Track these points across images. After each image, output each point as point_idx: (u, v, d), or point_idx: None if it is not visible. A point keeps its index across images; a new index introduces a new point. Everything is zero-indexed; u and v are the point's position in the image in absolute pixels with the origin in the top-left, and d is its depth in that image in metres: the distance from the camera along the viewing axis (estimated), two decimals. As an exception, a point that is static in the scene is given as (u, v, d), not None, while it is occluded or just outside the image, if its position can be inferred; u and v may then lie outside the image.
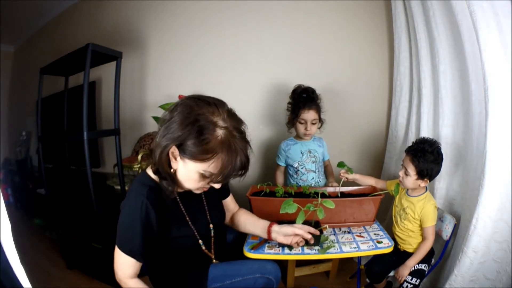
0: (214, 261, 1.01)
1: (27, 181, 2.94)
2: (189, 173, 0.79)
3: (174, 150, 0.77)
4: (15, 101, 3.45)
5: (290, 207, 1.01)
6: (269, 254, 1.07)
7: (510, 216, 1.09)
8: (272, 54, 2.08)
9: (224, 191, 1.11)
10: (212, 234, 1.00)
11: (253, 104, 2.14)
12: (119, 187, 1.93)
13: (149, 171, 0.89)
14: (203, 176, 0.78)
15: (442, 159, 1.19)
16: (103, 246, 1.69)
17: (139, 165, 2.04)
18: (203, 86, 2.10)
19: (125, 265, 0.84)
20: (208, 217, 1.01)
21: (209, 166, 0.76)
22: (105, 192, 2.03)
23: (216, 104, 0.78)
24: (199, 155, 0.74)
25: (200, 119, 0.73)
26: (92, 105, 2.38)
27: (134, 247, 0.82)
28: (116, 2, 2.45)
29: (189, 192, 0.92)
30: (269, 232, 1.02)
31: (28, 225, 2.63)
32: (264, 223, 1.06)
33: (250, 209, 1.28)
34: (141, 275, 0.91)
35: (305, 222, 1.05)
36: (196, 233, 0.94)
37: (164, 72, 2.31)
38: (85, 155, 1.57)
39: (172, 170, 0.81)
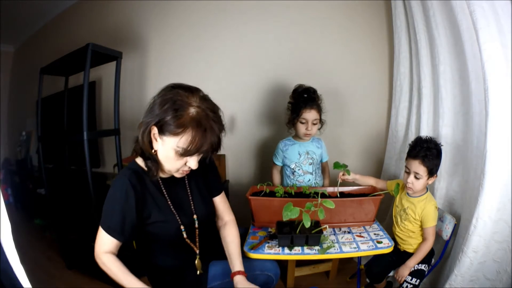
0: (197, 258, 0.98)
1: (27, 181, 2.94)
2: (167, 151, 0.84)
3: (154, 131, 0.84)
4: (15, 101, 3.45)
5: (292, 212, 1.00)
6: (269, 254, 1.07)
7: (510, 216, 1.09)
8: (272, 53, 2.08)
9: (214, 188, 1.08)
10: (196, 225, 0.98)
11: (252, 103, 2.14)
12: (119, 187, 1.93)
13: (138, 160, 0.95)
14: (178, 153, 0.83)
15: (441, 150, 1.21)
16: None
17: (139, 165, 2.04)
18: (203, 85, 2.09)
19: (102, 242, 0.88)
20: (193, 207, 0.99)
21: (180, 140, 0.81)
22: (105, 192, 2.02)
23: (191, 89, 0.86)
24: (173, 129, 0.80)
25: (176, 100, 0.81)
26: (92, 105, 2.38)
27: (112, 225, 0.86)
28: (116, 2, 2.45)
29: (174, 181, 0.97)
30: (232, 277, 0.95)
31: (28, 225, 2.63)
32: (233, 266, 0.97)
33: (250, 209, 1.28)
34: (140, 276, 0.91)
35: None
36: (178, 219, 0.94)
37: (164, 72, 2.31)
38: (85, 155, 1.57)
39: (153, 151, 0.87)
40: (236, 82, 2.15)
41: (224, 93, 2.10)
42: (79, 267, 1.86)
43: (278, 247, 1.10)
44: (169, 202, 0.95)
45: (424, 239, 1.23)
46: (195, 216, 0.99)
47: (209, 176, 1.06)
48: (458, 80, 1.36)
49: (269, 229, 1.25)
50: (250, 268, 1.02)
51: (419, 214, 1.21)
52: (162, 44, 2.31)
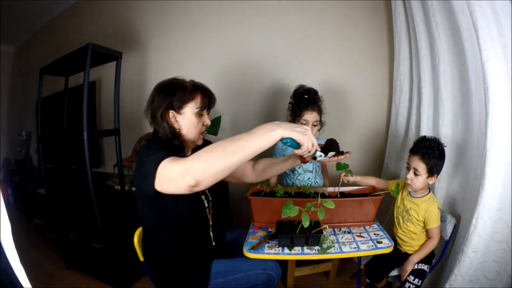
0: (211, 231, 1.11)
1: (27, 181, 2.94)
2: (190, 119, 1.02)
3: (171, 114, 1.00)
4: (15, 101, 3.45)
5: (291, 210, 1.00)
6: (269, 254, 1.07)
7: (510, 216, 1.09)
8: (272, 54, 2.08)
9: None
10: (210, 198, 1.13)
11: (252, 103, 2.14)
12: (119, 187, 1.93)
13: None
14: (198, 115, 1.02)
15: (444, 152, 1.20)
16: (103, 246, 1.69)
17: (139, 165, 2.04)
18: (203, 86, 2.13)
19: (176, 162, 0.74)
20: None
21: (196, 102, 1.01)
22: (105, 192, 2.03)
23: (176, 77, 1.06)
24: (189, 97, 1.00)
25: (172, 84, 1.02)
26: (92, 105, 2.39)
27: (162, 155, 0.78)
28: (116, 2, 2.45)
29: None
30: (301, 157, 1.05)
31: (28, 225, 2.64)
32: (291, 156, 1.13)
33: (250, 209, 1.28)
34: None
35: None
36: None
37: (164, 72, 2.28)
38: (85, 155, 1.57)
39: (177, 130, 1.02)
40: (236, 82, 2.15)
41: (224, 93, 2.10)
42: (79, 267, 1.86)
43: (278, 247, 1.10)
44: None
45: (429, 238, 1.23)
46: (207, 190, 1.12)
47: None
48: (458, 80, 1.35)
49: (269, 229, 1.25)
50: (252, 266, 1.03)
51: (422, 215, 1.21)
52: (162, 44, 2.31)
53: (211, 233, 1.12)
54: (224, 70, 2.15)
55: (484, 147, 1.08)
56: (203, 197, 1.09)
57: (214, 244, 1.12)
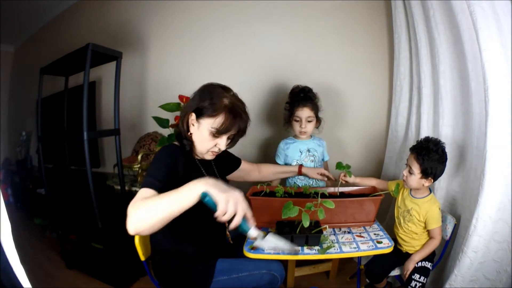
0: (228, 232, 1.16)
1: (27, 181, 2.94)
2: (202, 132, 1.00)
3: (192, 117, 1.01)
4: (15, 101, 3.45)
5: (291, 211, 1.01)
6: (269, 254, 1.07)
7: (510, 216, 1.09)
8: (272, 53, 2.08)
9: (233, 164, 1.35)
10: None
11: (253, 104, 2.13)
12: (119, 187, 1.93)
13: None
14: (211, 134, 0.99)
15: (446, 158, 1.18)
16: (103, 246, 1.69)
17: (139, 165, 2.04)
18: (203, 86, 2.12)
19: (139, 195, 0.81)
20: None
21: (214, 121, 0.98)
22: (105, 192, 2.03)
23: (225, 87, 1.05)
24: (210, 113, 0.98)
25: (212, 92, 1.01)
26: (92, 105, 2.39)
27: (155, 178, 0.87)
28: (116, 2, 2.45)
29: (204, 163, 1.13)
30: (300, 171, 1.41)
31: (28, 225, 2.64)
32: (295, 167, 1.44)
33: (250, 209, 1.28)
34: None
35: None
36: None
37: (164, 72, 2.31)
38: (85, 155, 1.57)
39: (189, 134, 1.03)
40: (237, 82, 2.11)
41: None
42: (79, 267, 1.86)
43: (278, 247, 1.10)
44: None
45: (431, 237, 1.23)
46: None
47: (225, 158, 1.27)
48: (458, 80, 1.35)
49: (269, 229, 1.25)
50: (257, 266, 1.04)
51: (424, 215, 1.20)
52: (162, 44, 2.31)
53: (228, 233, 1.17)
54: (224, 70, 2.15)
55: (484, 147, 1.08)
56: None
57: (231, 242, 1.18)
